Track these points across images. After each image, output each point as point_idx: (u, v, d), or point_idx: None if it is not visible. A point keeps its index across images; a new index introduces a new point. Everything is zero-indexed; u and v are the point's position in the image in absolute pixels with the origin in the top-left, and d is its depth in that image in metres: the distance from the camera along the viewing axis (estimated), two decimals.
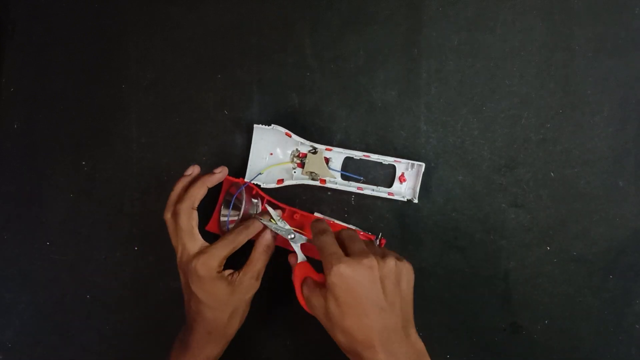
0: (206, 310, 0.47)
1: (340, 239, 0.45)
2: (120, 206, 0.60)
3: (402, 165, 0.56)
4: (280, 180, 0.55)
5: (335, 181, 0.56)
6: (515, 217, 0.55)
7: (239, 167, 0.57)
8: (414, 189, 0.55)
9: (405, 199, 0.55)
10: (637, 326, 0.55)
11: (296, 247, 0.49)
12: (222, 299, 0.47)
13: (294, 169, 0.56)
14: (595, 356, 0.56)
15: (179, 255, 0.48)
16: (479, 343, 0.56)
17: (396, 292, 0.42)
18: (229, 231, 0.49)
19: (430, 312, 0.56)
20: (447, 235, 0.56)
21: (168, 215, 0.49)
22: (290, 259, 0.49)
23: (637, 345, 0.55)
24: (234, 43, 0.58)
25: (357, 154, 0.55)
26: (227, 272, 0.48)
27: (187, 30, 0.59)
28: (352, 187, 0.55)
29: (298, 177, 0.56)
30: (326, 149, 0.55)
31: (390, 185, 0.56)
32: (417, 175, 0.55)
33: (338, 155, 0.56)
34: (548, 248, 0.55)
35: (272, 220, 0.50)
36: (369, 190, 0.55)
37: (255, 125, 0.55)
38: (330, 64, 0.57)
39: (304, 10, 0.57)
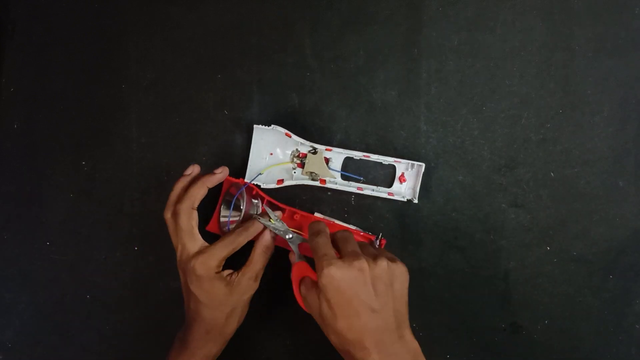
0: (204, 309, 0.48)
1: (335, 240, 0.46)
2: (120, 206, 0.60)
3: (402, 166, 0.56)
4: (280, 181, 0.55)
5: (335, 181, 0.56)
6: (515, 217, 0.55)
7: (239, 167, 0.57)
8: (414, 189, 0.55)
9: (405, 199, 0.55)
10: (637, 326, 0.55)
11: (294, 247, 0.49)
12: (220, 299, 0.47)
13: (294, 169, 0.56)
14: (595, 356, 0.56)
15: (178, 254, 0.49)
16: (479, 343, 0.56)
17: (388, 293, 0.42)
18: (229, 232, 0.49)
19: (430, 312, 0.57)
20: (447, 235, 0.56)
21: (168, 215, 0.49)
22: (291, 256, 0.49)
23: (637, 345, 0.55)
24: (234, 43, 0.58)
25: (357, 154, 0.55)
26: (226, 272, 0.48)
27: (187, 30, 0.59)
28: (352, 187, 0.55)
29: (298, 178, 0.56)
30: (326, 149, 0.55)
31: (390, 185, 0.56)
32: (417, 175, 0.55)
33: (338, 156, 0.56)
34: (548, 248, 0.55)
35: (270, 220, 0.50)
36: (369, 190, 0.55)
37: (255, 126, 0.55)
38: (330, 64, 0.57)
39: (304, 10, 0.57)
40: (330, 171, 0.56)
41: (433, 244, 0.56)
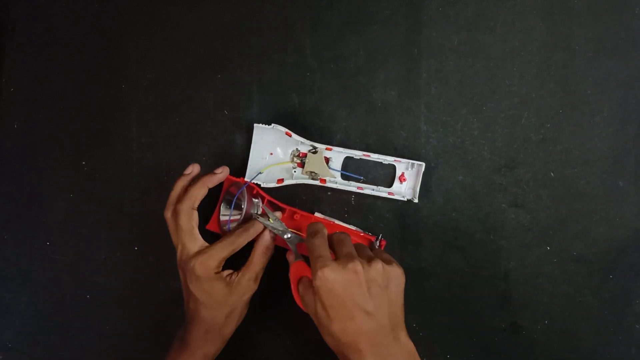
0: (204, 309, 0.48)
1: (331, 242, 0.46)
2: (120, 206, 0.60)
3: (402, 165, 0.56)
4: (280, 180, 0.55)
5: (335, 181, 0.56)
6: (515, 217, 0.55)
7: (239, 167, 0.57)
8: (414, 189, 0.55)
9: (405, 199, 0.55)
10: (637, 326, 0.55)
11: (292, 247, 0.49)
12: (219, 299, 0.47)
13: (294, 168, 0.56)
14: (595, 356, 0.56)
15: (178, 254, 0.49)
16: (479, 343, 0.56)
17: (383, 295, 0.42)
18: (229, 233, 0.49)
19: (430, 312, 0.56)
20: (447, 235, 0.56)
21: (168, 215, 0.49)
22: (289, 256, 0.49)
23: (637, 345, 0.55)
24: (234, 43, 0.58)
25: (357, 154, 0.55)
26: (226, 272, 0.48)
27: (187, 30, 0.59)
28: (352, 186, 0.55)
29: (298, 177, 0.56)
30: (326, 149, 0.55)
31: (390, 185, 0.56)
32: (417, 175, 0.55)
33: (338, 155, 0.56)
34: (548, 248, 0.55)
35: (269, 220, 0.50)
36: (369, 190, 0.55)
37: (255, 125, 0.55)
38: (330, 64, 0.57)
39: (304, 10, 0.57)
40: (331, 171, 0.56)
41: (433, 244, 0.56)
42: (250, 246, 0.50)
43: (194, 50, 0.59)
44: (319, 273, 0.41)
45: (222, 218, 0.53)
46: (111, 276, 0.60)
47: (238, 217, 0.52)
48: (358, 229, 0.55)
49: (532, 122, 0.55)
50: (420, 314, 0.57)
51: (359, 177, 0.56)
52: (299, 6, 0.57)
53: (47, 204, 0.61)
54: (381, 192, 0.55)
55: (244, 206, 0.51)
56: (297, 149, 0.56)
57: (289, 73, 0.57)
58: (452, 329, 0.57)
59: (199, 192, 0.49)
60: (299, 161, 0.56)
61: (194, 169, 0.51)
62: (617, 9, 0.54)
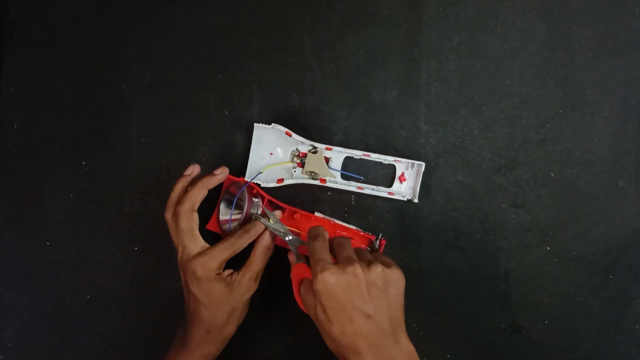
0: (204, 310, 0.48)
1: (331, 245, 0.46)
2: (120, 206, 0.60)
3: (402, 165, 0.56)
4: (280, 180, 0.55)
5: (336, 181, 0.56)
6: (515, 217, 0.55)
7: (239, 167, 0.57)
8: (414, 189, 0.55)
9: (405, 199, 0.55)
10: (637, 326, 0.55)
11: (293, 249, 0.49)
12: (220, 300, 0.47)
13: (294, 168, 0.56)
14: (595, 356, 0.56)
15: (179, 255, 0.49)
16: (479, 343, 0.56)
17: (383, 298, 0.42)
18: (230, 234, 0.49)
19: (430, 312, 0.57)
20: (447, 235, 0.56)
21: (168, 216, 0.49)
22: (290, 256, 0.49)
23: (637, 345, 0.55)
24: (234, 43, 0.58)
25: (357, 154, 0.55)
26: (227, 272, 0.48)
27: (187, 30, 0.59)
28: (352, 186, 0.55)
29: (298, 177, 0.56)
30: (326, 149, 0.55)
31: (390, 185, 0.56)
32: (417, 175, 0.55)
33: (338, 155, 0.56)
34: (548, 248, 0.55)
35: (270, 221, 0.50)
36: (369, 190, 0.55)
37: (255, 124, 0.55)
38: (330, 64, 0.57)
39: (304, 10, 0.57)
40: (331, 170, 0.56)
41: (433, 244, 0.56)
42: (250, 246, 0.50)
43: (194, 50, 0.59)
44: (319, 276, 0.41)
45: (222, 218, 0.53)
46: (111, 276, 0.60)
47: (239, 216, 0.52)
48: (358, 229, 0.55)
49: (532, 122, 0.55)
50: (420, 314, 0.57)
51: (359, 177, 0.56)
52: (299, 6, 0.57)
53: (47, 204, 0.61)
54: (381, 192, 0.55)
55: (245, 206, 0.51)
56: (297, 148, 0.56)
57: (289, 73, 0.57)
58: (452, 329, 0.57)
59: (199, 194, 0.49)
60: (299, 161, 0.56)
61: (194, 169, 0.51)
62: (617, 9, 0.54)
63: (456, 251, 0.56)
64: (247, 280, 0.48)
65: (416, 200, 0.55)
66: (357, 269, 0.42)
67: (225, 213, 0.53)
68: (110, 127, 0.60)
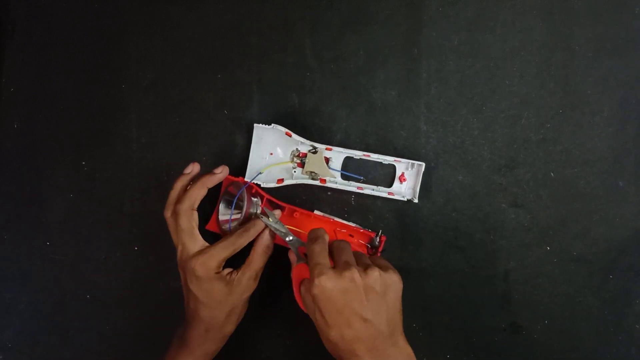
0: (204, 309, 0.48)
1: (331, 249, 0.46)
2: (120, 206, 0.60)
3: (402, 165, 0.56)
4: (280, 180, 0.55)
5: (335, 181, 0.56)
6: (515, 217, 0.55)
7: (239, 167, 0.57)
8: (414, 189, 0.55)
9: (405, 199, 0.55)
10: (637, 326, 0.55)
11: (294, 250, 0.49)
12: (219, 299, 0.47)
13: (294, 168, 0.56)
14: (595, 356, 0.56)
15: (179, 253, 0.49)
16: (479, 343, 0.56)
17: (381, 302, 0.43)
18: (230, 233, 0.49)
19: (430, 312, 0.56)
20: (447, 235, 0.56)
21: (168, 214, 0.49)
22: (291, 255, 0.49)
23: (637, 345, 0.55)
24: (234, 43, 0.58)
25: (357, 154, 0.55)
26: (226, 271, 0.48)
27: (187, 30, 0.59)
28: (352, 186, 0.55)
29: (298, 177, 0.56)
30: (326, 149, 0.55)
31: (390, 185, 0.56)
32: (417, 175, 0.55)
33: (338, 155, 0.56)
34: (548, 248, 0.55)
35: (270, 219, 0.50)
36: (369, 190, 0.55)
37: (255, 125, 0.55)
38: (330, 64, 0.57)
39: (304, 10, 0.57)
40: (331, 171, 0.56)
41: (433, 244, 0.56)
42: (250, 245, 0.50)
43: (194, 50, 0.59)
44: (316, 281, 0.41)
45: (222, 218, 0.53)
46: (111, 276, 0.60)
47: (238, 216, 0.52)
48: (358, 226, 0.55)
49: (532, 122, 0.55)
50: (420, 314, 0.57)
51: (359, 177, 0.56)
52: (299, 6, 0.57)
53: (47, 204, 0.61)
54: (381, 192, 0.55)
55: (244, 206, 0.51)
56: (297, 149, 0.56)
57: (289, 73, 0.57)
58: (452, 329, 0.57)
59: (199, 193, 0.49)
60: (299, 161, 0.56)
61: (194, 168, 0.51)
62: (617, 9, 0.54)
63: (456, 251, 0.56)
64: (247, 279, 0.48)
65: (416, 201, 0.55)
66: (355, 273, 0.42)
67: (224, 213, 0.53)
68: (110, 127, 0.60)
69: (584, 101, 0.55)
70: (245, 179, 0.55)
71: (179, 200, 0.49)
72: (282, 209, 0.55)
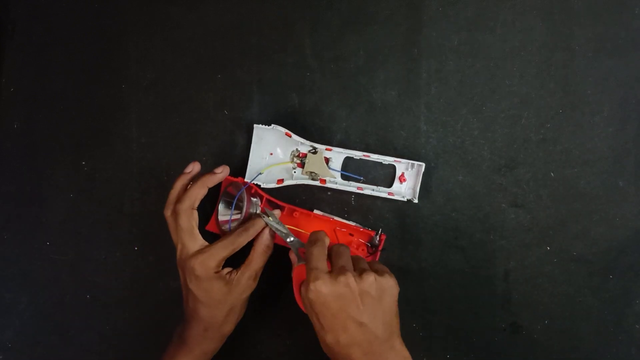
0: (203, 308, 0.48)
1: (330, 253, 0.46)
2: (120, 206, 0.60)
3: (402, 165, 0.56)
4: (280, 180, 0.55)
5: (335, 181, 0.56)
6: (515, 217, 0.55)
7: (239, 167, 0.57)
8: (414, 189, 0.55)
9: (405, 199, 0.55)
10: (637, 326, 0.55)
11: (295, 250, 0.49)
12: (219, 298, 0.47)
13: (294, 168, 0.56)
14: (595, 356, 0.56)
15: (178, 253, 0.49)
16: (479, 343, 0.56)
17: (377, 306, 0.43)
18: (229, 232, 0.49)
19: (430, 312, 0.56)
20: (447, 235, 0.56)
21: (168, 213, 0.49)
22: (291, 255, 0.49)
23: (637, 345, 0.55)
24: (234, 43, 0.58)
25: (357, 154, 0.55)
26: (226, 270, 0.48)
27: (187, 30, 0.59)
28: (352, 187, 0.55)
29: (298, 177, 0.56)
30: (326, 149, 0.55)
31: (390, 185, 0.56)
32: (417, 175, 0.55)
33: (338, 155, 0.56)
34: (548, 248, 0.55)
35: (270, 218, 0.50)
36: (369, 190, 0.55)
37: (255, 125, 0.55)
38: (330, 64, 0.57)
39: (304, 10, 0.57)
40: (330, 171, 0.56)
41: (433, 244, 0.56)
42: (249, 244, 0.50)
43: (194, 50, 0.59)
44: (311, 286, 0.42)
45: (222, 218, 0.53)
46: (111, 276, 0.60)
47: (238, 217, 0.52)
48: (358, 225, 0.55)
49: (532, 122, 0.55)
50: (420, 314, 0.57)
51: (359, 177, 0.56)
52: (299, 6, 0.57)
53: (47, 204, 0.61)
54: (381, 192, 0.55)
55: (244, 206, 0.51)
56: (297, 149, 0.56)
57: (289, 73, 0.57)
58: (452, 329, 0.57)
59: (199, 192, 0.49)
60: (299, 161, 0.56)
61: (194, 167, 0.51)
62: (617, 9, 0.54)
63: (456, 251, 0.56)
64: (246, 279, 0.48)
65: (416, 201, 0.55)
66: (350, 278, 0.42)
67: (224, 213, 0.53)
68: (110, 127, 0.60)
69: (584, 101, 0.55)
70: (245, 180, 0.55)
71: (179, 199, 0.49)
72: (281, 208, 0.55)
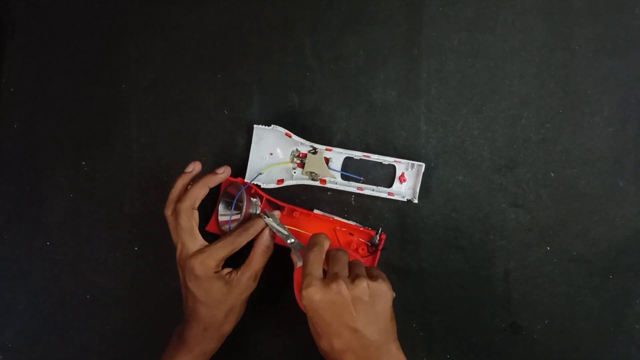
0: (202, 308, 0.48)
1: (327, 257, 0.46)
2: (120, 206, 0.60)
3: (402, 166, 0.56)
4: (280, 181, 0.55)
5: (335, 181, 0.56)
6: (515, 217, 0.55)
7: (239, 167, 0.57)
8: (414, 189, 0.55)
9: (405, 199, 0.55)
10: (637, 326, 0.55)
11: (296, 252, 0.49)
12: (218, 298, 0.47)
13: (294, 169, 0.56)
14: (595, 356, 0.56)
15: (178, 252, 0.49)
16: (479, 343, 0.56)
17: (370, 312, 0.43)
18: (229, 232, 0.49)
19: (430, 312, 0.56)
20: (447, 235, 0.56)
21: (168, 213, 0.49)
22: (293, 256, 0.49)
23: (637, 345, 0.55)
24: (234, 43, 0.58)
25: (357, 155, 0.54)
26: (225, 270, 0.48)
27: (187, 30, 0.59)
28: (352, 187, 0.55)
29: (298, 178, 0.56)
30: (326, 149, 0.55)
31: (390, 185, 0.56)
32: (417, 175, 0.55)
33: (338, 155, 0.56)
34: (548, 248, 0.55)
35: (270, 218, 0.50)
36: (369, 190, 0.55)
37: (255, 126, 0.55)
38: (330, 64, 0.57)
39: (304, 10, 0.57)
40: (330, 171, 0.56)
41: (433, 244, 0.56)
42: (249, 244, 0.50)
43: (194, 50, 0.59)
44: (304, 292, 0.42)
45: (222, 219, 0.53)
46: (111, 276, 0.60)
47: (237, 217, 0.52)
48: (357, 224, 0.55)
49: (532, 122, 0.55)
50: (420, 314, 0.57)
51: (359, 177, 0.56)
52: (299, 6, 0.57)
53: (47, 204, 0.61)
54: (381, 192, 0.55)
55: (243, 207, 0.51)
56: (297, 149, 0.56)
57: (289, 73, 0.57)
58: (452, 329, 0.57)
59: (200, 192, 0.49)
60: (299, 161, 0.56)
61: (195, 167, 0.51)
62: (617, 9, 0.54)
63: (456, 251, 0.56)
64: (246, 279, 0.48)
65: (416, 201, 0.55)
66: (342, 285, 0.42)
67: (223, 214, 0.53)
68: (110, 127, 0.60)
69: (584, 101, 0.55)
70: (245, 180, 0.55)
71: (179, 198, 0.49)
72: (281, 209, 0.55)
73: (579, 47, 0.55)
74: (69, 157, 0.61)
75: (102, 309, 0.60)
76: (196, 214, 0.49)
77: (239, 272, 0.48)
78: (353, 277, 0.43)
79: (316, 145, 0.54)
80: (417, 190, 0.55)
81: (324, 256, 0.45)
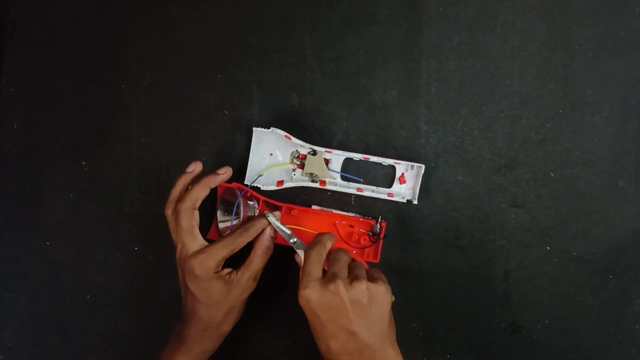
0: (202, 308, 0.48)
1: (328, 257, 0.46)
2: (120, 206, 0.60)
3: (402, 166, 0.56)
4: (280, 182, 0.55)
5: (335, 182, 0.56)
6: (515, 217, 0.55)
7: (239, 167, 0.57)
8: (413, 190, 0.55)
9: (405, 200, 0.55)
10: (637, 326, 0.55)
11: (299, 252, 0.49)
12: (218, 298, 0.47)
13: (293, 170, 0.56)
14: (595, 356, 0.56)
15: (178, 252, 0.49)
16: (479, 343, 0.56)
17: (368, 315, 0.43)
18: (229, 233, 0.49)
19: (430, 312, 0.56)
20: (447, 235, 0.56)
21: (169, 212, 0.49)
22: (297, 258, 0.49)
23: (637, 345, 0.55)
24: (234, 43, 0.58)
25: (357, 156, 0.54)
26: (225, 271, 0.48)
27: (187, 30, 0.59)
28: (351, 188, 0.55)
29: (298, 179, 0.56)
30: (326, 151, 0.55)
31: (390, 186, 0.56)
32: (417, 176, 0.55)
33: (338, 157, 0.56)
34: (548, 248, 0.55)
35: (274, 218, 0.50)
36: (368, 191, 0.55)
37: (254, 128, 0.55)
38: (330, 64, 0.57)
39: (304, 10, 0.57)
40: (330, 172, 0.56)
41: (433, 244, 0.56)
42: (249, 245, 0.50)
43: (194, 50, 0.59)
44: (301, 293, 0.42)
45: (221, 225, 0.53)
46: (111, 276, 0.60)
47: (236, 222, 0.52)
48: (357, 215, 0.55)
49: (532, 122, 0.55)
50: (420, 314, 0.57)
51: (359, 178, 0.56)
52: (299, 6, 0.57)
53: (47, 204, 0.61)
54: (381, 193, 0.55)
55: (241, 211, 0.51)
56: (296, 150, 0.56)
57: (289, 73, 0.57)
58: (452, 329, 0.57)
59: (201, 192, 0.49)
60: (298, 162, 0.56)
61: (196, 167, 0.51)
62: (617, 9, 0.54)
63: (456, 251, 0.56)
64: (246, 279, 0.48)
65: (416, 202, 0.55)
66: (340, 286, 0.42)
67: (222, 220, 0.53)
68: (110, 127, 0.60)
69: (584, 101, 0.55)
70: (245, 182, 0.55)
71: (180, 198, 0.49)
72: (279, 208, 0.55)
73: (579, 47, 0.55)
74: (69, 157, 0.61)
75: (102, 309, 0.60)
76: (197, 214, 0.49)
77: (239, 273, 0.48)
78: (352, 278, 0.43)
79: (315, 148, 0.54)
80: (417, 191, 0.55)
81: (324, 256, 0.45)
